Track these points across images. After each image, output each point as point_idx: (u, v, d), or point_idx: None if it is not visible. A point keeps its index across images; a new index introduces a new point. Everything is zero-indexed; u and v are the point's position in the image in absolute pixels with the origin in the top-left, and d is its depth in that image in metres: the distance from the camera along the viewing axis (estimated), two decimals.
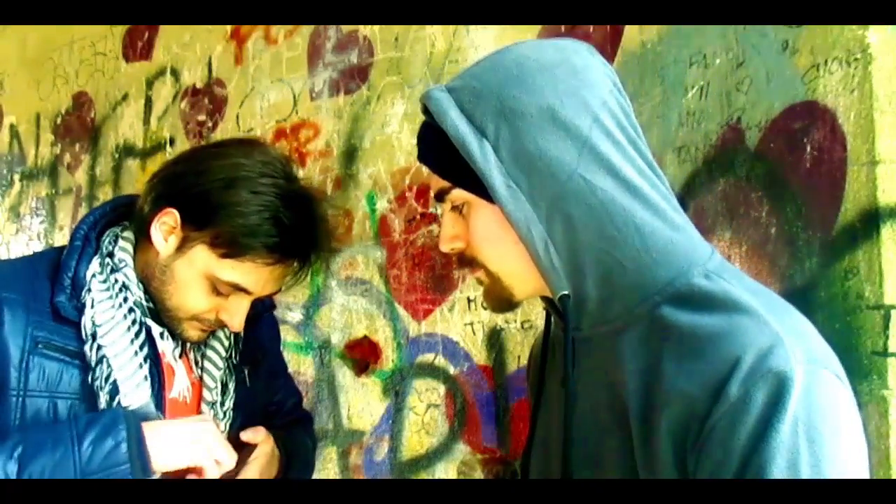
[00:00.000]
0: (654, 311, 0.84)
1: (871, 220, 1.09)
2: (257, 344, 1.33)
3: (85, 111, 3.01)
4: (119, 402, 1.10)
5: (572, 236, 0.85)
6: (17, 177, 3.35)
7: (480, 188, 0.87)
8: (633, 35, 1.44)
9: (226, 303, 1.15)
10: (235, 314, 1.14)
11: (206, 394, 1.22)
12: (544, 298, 1.00)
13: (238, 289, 1.13)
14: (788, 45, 1.21)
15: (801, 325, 0.81)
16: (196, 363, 1.23)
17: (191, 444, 1.09)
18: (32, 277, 1.14)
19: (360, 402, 1.94)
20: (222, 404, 1.24)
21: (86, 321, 1.12)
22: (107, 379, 1.10)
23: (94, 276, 1.14)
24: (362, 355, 1.95)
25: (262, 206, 1.09)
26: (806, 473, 0.72)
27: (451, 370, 1.76)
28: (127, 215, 1.22)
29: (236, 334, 1.27)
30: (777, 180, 1.21)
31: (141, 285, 1.16)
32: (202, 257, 1.12)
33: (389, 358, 1.89)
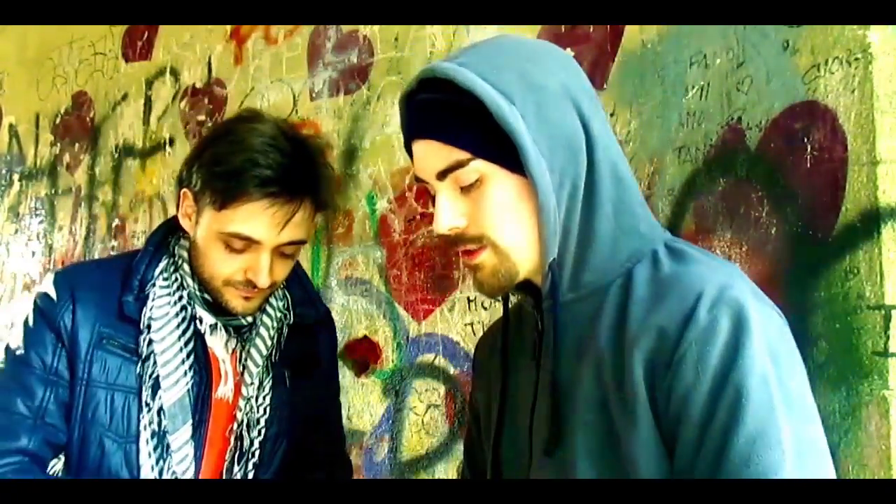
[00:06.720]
0: (625, 276, 0.91)
1: (871, 220, 1.09)
2: (304, 350, 1.34)
3: (84, 111, 3.01)
4: (159, 397, 1.16)
5: (572, 206, 0.90)
6: (16, 177, 3.36)
7: (503, 158, 0.88)
8: (633, 35, 1.44)
9: (249, 260, 1.17)
10: (258, 270, 1.17)
11: (243, 389, 1.25)
12: None
13: (246, 239, 1.15)
14: (789, 45, 1.21)
15: (744, 276, 0.90)
16: (240, 360, 1.27)
17: None
18: (107, 279, 1.23)
19: (360, 402, 1.94)
20: (257, 399, 1.26)
21: (144, 314, 1.19)
22: (150, 375, 1.17)
23: (160, 273, 1.22)
24: (362, 355, 1.94)
25: (242, 149, 1.13)
26: (775, 387, 0.78)
27: (451, 370, 1.75)
28: None
29: (281, 335, 1.30)
30: (777, 180, 1.21)
31: (196, 278, 1.23)
32: (208, 217, 1.17)
33: (389, 358, 1.89)
